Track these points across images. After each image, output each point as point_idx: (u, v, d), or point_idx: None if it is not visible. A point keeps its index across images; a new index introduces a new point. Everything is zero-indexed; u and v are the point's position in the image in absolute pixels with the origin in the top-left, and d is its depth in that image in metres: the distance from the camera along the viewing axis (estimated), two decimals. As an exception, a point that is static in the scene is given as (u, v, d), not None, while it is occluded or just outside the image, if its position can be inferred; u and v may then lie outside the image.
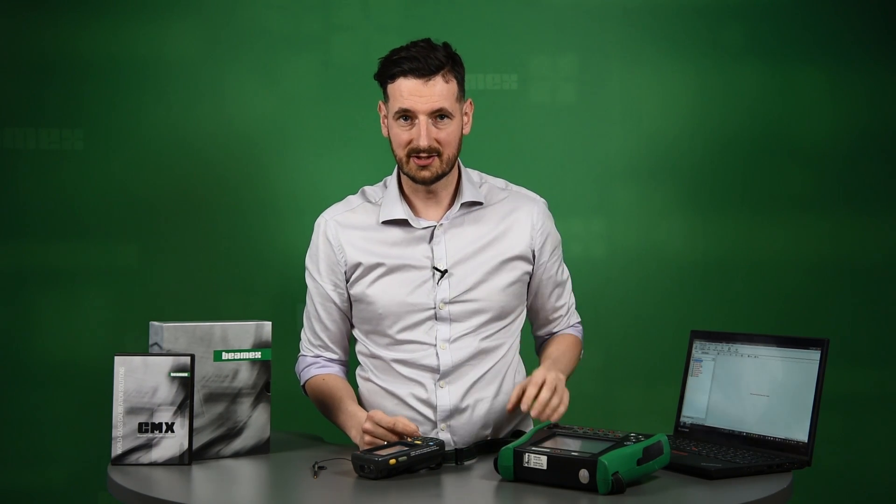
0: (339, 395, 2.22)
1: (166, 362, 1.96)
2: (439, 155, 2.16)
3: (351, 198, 2.32)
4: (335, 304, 2.27)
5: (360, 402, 2.30)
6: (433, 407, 2.20)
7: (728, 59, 3.02)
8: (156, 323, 2.05)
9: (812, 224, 3.03)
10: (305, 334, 2.33)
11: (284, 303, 2.91)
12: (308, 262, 2.30)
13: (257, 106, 2.93)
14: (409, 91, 2.13)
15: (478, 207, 2.26)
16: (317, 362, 2.31)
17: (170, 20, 2.90)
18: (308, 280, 2.30)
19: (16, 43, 2.86)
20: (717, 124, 3.02)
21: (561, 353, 2.30)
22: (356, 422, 2.11)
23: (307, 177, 2.94)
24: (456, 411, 2.20)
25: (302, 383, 2.33)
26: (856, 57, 3.02)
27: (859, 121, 3.03)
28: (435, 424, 2.21)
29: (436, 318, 2.20)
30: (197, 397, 2.02)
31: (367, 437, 2.02)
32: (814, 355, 2.07)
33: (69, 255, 2.87)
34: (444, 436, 2.20)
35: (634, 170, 3.01)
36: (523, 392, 2.05)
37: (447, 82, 2.15)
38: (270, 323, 2.11)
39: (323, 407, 2.27)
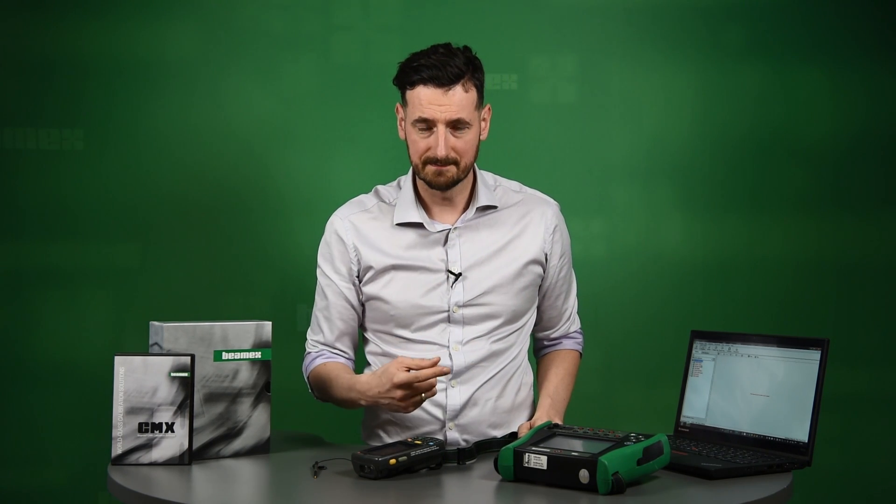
0: (342, 373, 2.19)
1: (166, 362, 1.96)
2: (456, 164, 2.15)
3: (364, 197, 2.29)
4: (348, 302, 2.25)
5: None
6: (442, 406, 2.20)
7: (728, 60, 3.01)
8: (156, 323, 2.05)
9: (812, 224, 3.02)
10: (313, 333, 2.30)
11: (284, 303, 2.91)
12: (321, 260, 2.28)
13: (257, 106, 2.93)
14: (427, 100, 2.11)
15: (492, 211, 2.25)
16: (322, 354, 2.27)
17: (169, 20, 2.90)
18: (321, 278, 2.28)
19: (16, 43, 2.86)
20: (718, 124, 3.02)
21: (561, 384, 2.32)
22: (376, 383, 2.06)
23: (307, 177, 2.94)
24: (464, 410, 2.21)
25: (307, 375, 2.30)
26: (856, 57, 3.02)
27: (859, 121, 3.03)
28: (443, 424, 2.21)
29: (449, 320, 2.20)
30: (197, 397, 2.02)
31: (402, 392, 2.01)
32: (814, 355, 2.07)
33: (69, 255, 2.87)
34: (453, 435, 2.20)
35: (634, 170, 3.01)
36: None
37: (466, 91, 2.13)
38: (270, 323, 2.11)
39: (325, 389, 2.22)
